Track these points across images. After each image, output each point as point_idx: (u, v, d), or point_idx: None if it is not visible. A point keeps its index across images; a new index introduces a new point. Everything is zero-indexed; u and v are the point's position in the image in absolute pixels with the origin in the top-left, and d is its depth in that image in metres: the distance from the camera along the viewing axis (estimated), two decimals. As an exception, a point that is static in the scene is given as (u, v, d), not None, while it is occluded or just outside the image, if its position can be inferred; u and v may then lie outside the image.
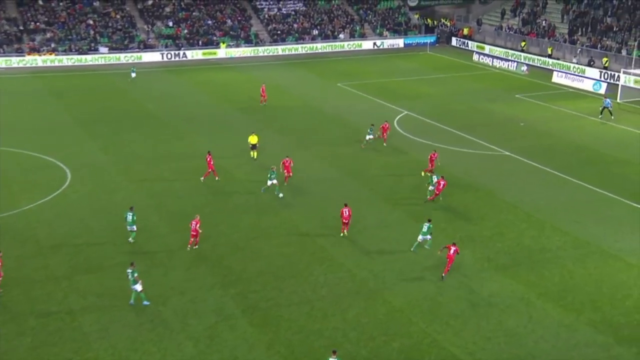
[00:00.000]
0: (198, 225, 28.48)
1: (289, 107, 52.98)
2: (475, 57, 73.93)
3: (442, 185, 33.19)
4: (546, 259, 28.74)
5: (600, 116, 49.81)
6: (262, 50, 76.32)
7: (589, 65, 65.06)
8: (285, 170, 35.11)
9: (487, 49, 76.47)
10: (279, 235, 30.62)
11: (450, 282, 26.85)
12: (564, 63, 67.14)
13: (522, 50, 73.55)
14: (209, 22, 77.71)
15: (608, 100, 50.00)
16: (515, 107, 53.61)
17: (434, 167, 36.40)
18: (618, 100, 54.57)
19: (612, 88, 57.60)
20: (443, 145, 43.14)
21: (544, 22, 76.29)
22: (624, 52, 64.52)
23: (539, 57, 70.58)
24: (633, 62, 60.53)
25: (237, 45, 76.12)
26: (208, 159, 35.63)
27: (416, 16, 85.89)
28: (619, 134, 46.45)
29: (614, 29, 68.46)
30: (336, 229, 31.12)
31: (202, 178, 36.04)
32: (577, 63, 66.38)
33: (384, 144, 42.24)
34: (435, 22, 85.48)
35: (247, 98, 56.02)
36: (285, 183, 35.27)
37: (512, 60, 70.40)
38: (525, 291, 26.18)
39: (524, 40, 74.46)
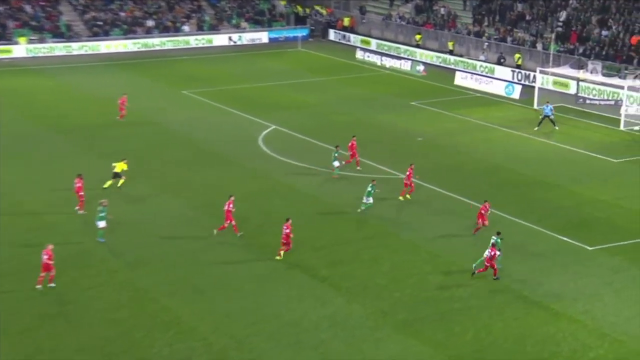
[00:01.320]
0: None
1: (114, 123, 52.18)
2: (360, 54, 75.85)
3: None
4: (456, 310, 29.38)
5: (537, 128, 52.14)
6: (78, 47, 74.65)
7: (499, 63, 68.30)
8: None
9: (374, 44, 78.80)
10: (106, 294, 29.76)
11: (335, 346, 26.91)
12: (469, 61, 70.17)
13: (417, 46, 76.26)
14: None
15: (549, 106, 52.37)
16: (411, 118, 55.35)
17: (410, 186, 39.22)
18: (535, 107, 57.75)
19: (528, 91, 60.75)
20: (321, 168, 43.82)
21: (442, 10, 79.70)
22: (539, 47, 68.45)
23: (438, 54, 73.43)
24: (551, 59, 64.10)
25: (42, 40, 73.88)
26: (77, 186, 37.18)
27: (282, 2, 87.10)
28: (539, 149, 48.85)
29: (527, 18, 72.43)
30: (183, 281, 30.72)
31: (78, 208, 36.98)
32: (484, 61, 69.55)
33: (358, 168, 43.44)
34: (307, 11, 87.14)
35: (60, 112, 54.62)
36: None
37: (405, 59, 72.79)
38: (433, 354, 26.60)
39: (418, 33, 77.35)
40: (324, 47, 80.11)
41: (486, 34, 73.38)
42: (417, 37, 76.74)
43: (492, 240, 32.15)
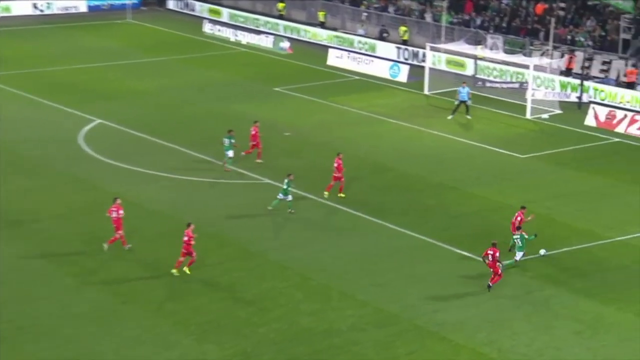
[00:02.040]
0: None
1: None
2: (208, 27, 75.83)
3: None
4: (336, 347, 29.30)
5: (450, 116, 53.26)
6: None
7: (381, 38, 69.20)
8: None
9: (226, 14, 78.80)
10: None
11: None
12: (345, 36, 70.78)
13: (281, 17, 76.58)
14: None
15: (466, 88, 53.27)
16: (275, 108, 55.55)
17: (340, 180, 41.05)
18: (426, 92, 58.88)
19: (417, 73, 61.70)
20: (163, 172, 43.51)
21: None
22: (428, 18, 69.80)
23: (307, 28, 73.87)
24: (443, 33, 65.36)
25: None
26: None
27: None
28: (433, 145, 49.86)
29: (413, -17, 73.87)
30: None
31: None
32: (363, 35, 70.31)
33: (258, 160, 44.97)
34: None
35: None
36: None
37: (265, 33, 72.86)
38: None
39: (281, 1, 77.66)
40: (161, 19, 79.62)
41: (364, 3, 74.30)
42: (280, 5, 77.15)
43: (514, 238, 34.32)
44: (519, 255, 34.81)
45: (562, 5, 65.11)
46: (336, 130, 51.45)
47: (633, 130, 51.43)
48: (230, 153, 43.65)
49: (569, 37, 62.05)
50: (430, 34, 67.21)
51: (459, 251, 36.45)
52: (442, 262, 35.68)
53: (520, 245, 34.72)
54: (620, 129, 51.81)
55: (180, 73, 62.96)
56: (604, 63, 59.85)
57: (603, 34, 61.47)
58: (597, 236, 37.91)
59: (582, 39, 60.86)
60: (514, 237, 35.11)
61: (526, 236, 34.73)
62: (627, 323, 31.13)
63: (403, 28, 68.42)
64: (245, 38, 72.85)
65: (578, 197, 42.49)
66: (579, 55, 59.22)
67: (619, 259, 36.03)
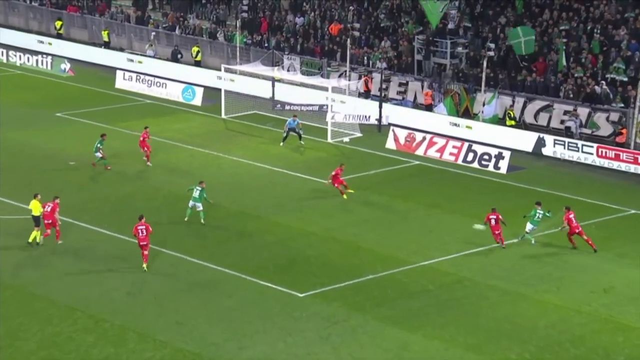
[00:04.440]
0: None
1: None
2: None
3: None
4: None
5: (282, 143, 53.40)
6: None
7: (175, 59, 69.08)
8: None
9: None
10: None
11: None
12: (133, 57, 70.39)
13: (59, 35, 75.33)
14: None
15: (296, 121, 53.32)
16: (57, 135, 54.71)
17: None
18: (223, 116, 58.93)
19: (213, 96, 61.69)
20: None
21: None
22: (221, 38, 70.08)
23: (89, 48, 73.27)
24: (238, 54, 65.48)
25: None
26: None
27: None
28: (232, 172, 50.01)
29: (202, 1, 74.05)
30: None
31: None
32: (153, 56, 70.09)
33: (148, 164, 48.80)
34: None
35: None
36: None
37: (43, 53, 71.20)
38: None
39: (59, 19, 76.40)
40: None
41: (152, 21, 74.05)
42: (58, 24, 75.97)
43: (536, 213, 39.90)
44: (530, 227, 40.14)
45: (357, 25, 66.25)
46: (126, 158, 50.50)
47: (432, 153, 52.75)
48: (99, 154, 48.12)
49: (365, 58, 63.17)
50: (225, 55, 67.51)
51: (263, 282, 36.47)
52: (245, 295, 35.59)
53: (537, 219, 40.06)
54: (419, 151, 53.03)
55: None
56: (400, 84, 61.22)
57: (395, 54, 62.84)
58: (402, 261, 38.67)
59: (377, 61, 62.08)
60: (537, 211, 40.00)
61: (545, 213, 39.97)
62: (433, 350, 31.87)
63: (195, 48, 68.42)
64: (19, 59, 71.53)
65: (382, 222, 43.27)
66: (376, 77, 60.28)
67: (423, 284, 36.87)
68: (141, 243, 36.99)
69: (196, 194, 41.49)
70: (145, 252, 37.02)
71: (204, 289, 35.92)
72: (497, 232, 39.72)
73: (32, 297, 35.02)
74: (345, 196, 45.16)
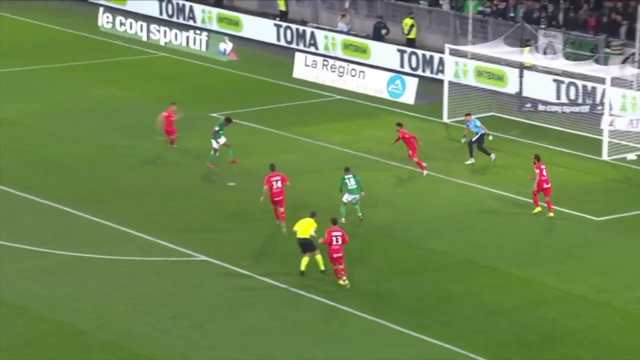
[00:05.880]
0: None
1: None
2: (105, 19, 75.96)
3: None
4: None
5: (471, 159, 53.00)
6: None
7: (377, 36, 68.44)
8: None
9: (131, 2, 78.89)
10: None
11: None
12: (320, 32, 70.78)
13: (218, 3, 77.73)
14: None
15: (473, 122, 52.50)
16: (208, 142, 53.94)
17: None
18: (445, 119, 57.64)
19: (431, 89, 61.07)
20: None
21: None
22: (445, 5, 69.50)
23: (260, 20, 74.39)
24: (470, 28, 64.59)
25: None
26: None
27: None
28: (455, 200, 48.96)
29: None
30: None
31: None
32: (347, 32, 70.27)
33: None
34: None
35: None
36: None
37: (196, 29, 73.31)
38: None
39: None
40: (32, 6, 79.23)
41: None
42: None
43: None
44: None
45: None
46: (308, 176, 50.17)
47: None
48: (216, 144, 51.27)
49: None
50: (451, 29, 67.73)
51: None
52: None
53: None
54: None
55: (60, 91, 62.19)
56: None
57: None
58: None
59: None
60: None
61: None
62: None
63: (409, 21, 67.90)
64: (165, 36, 72.91)
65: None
66: None
67: None
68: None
69: (352, 184, 44.65)
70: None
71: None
72: None
73: None
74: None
